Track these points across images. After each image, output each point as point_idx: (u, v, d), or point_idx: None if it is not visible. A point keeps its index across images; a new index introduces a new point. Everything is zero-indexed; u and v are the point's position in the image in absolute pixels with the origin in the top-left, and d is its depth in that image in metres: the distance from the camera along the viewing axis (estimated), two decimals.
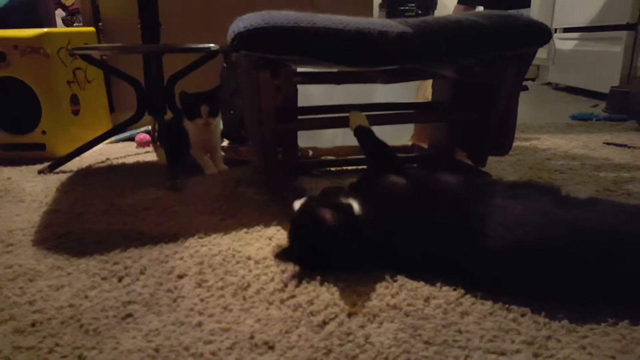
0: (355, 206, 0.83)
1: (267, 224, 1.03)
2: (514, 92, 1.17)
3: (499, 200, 0.80)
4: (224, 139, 1.68)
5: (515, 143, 1.42)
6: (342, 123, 1.13)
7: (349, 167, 1.47)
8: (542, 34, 1.10)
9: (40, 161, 1.55)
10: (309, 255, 0.83)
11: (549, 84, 3.63)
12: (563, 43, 3.34)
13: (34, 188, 1.34)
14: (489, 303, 0.73)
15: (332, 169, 1.46)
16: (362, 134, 1.08)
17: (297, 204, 0.87)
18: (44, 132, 1.65)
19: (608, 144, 1.77)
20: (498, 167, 1.46)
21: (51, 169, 1.50)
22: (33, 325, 0.70)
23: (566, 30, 3.34)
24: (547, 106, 2.86)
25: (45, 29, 1.63)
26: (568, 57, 3.28)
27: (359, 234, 0.81)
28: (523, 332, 0.66)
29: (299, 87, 1.26)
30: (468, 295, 0.75)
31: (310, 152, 1.53)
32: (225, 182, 1.35)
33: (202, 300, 0.75)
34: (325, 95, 1.47)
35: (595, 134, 1.95)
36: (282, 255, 0.85)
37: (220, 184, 1.33)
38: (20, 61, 1.59)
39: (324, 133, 1.58)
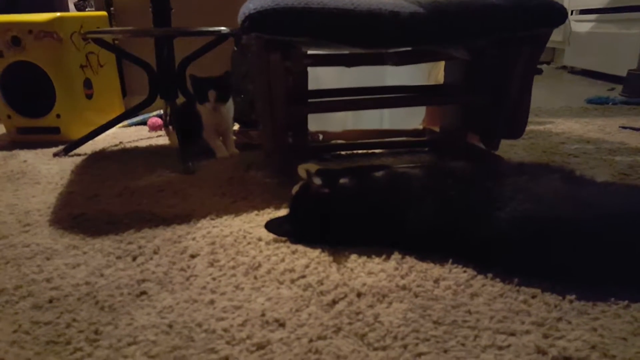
0: (350, 181, 0.87)
1: (277, 207, 1.04)
2: (527, 74, 1.16)
3: (509, 178, 0.80)
4: (235, 123, 1.68)
5: (529, 127, 1.41)
6: (353, 106, 1.12)
7: (359, 151, 1.47)
8: (557, 14, 1.08)
9: (55, 144, 1.58)
10: (303, 224, 0.88)
11: (564, 67, 3.57)
12: (579, 25, 3.27)
13: (49, 170, 1.36)
14: (500, 284, 0.73)
15: (342, 152, 1.46)
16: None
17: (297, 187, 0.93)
18: (58, 116, 1.67)
19: (624, 127, 1.74)
20: (511, 150, 1.44)
21: (66, 152, 1.52)
22: (51, 301, 0.72)
23: (583, 11, 3.27)
24: (562, 89, 2.81)
25: (58, 14, 1.64)
26: (584, 39, 3.21)
27: (350, 204, 0.85)
28: (533, 314, 0.66)
29: (310, 69, 1.25)
30: (478, 277, 0.75)
31: (321, 136, 1.52)
32: (237, 165, 1.36)
33: (214, 279, 0.76)
34: (336, 78, 1.46)
35: (611, 118, 1.92)
36: (272, 224, 0.90)
37: (231, 167, 1.34)
38: (35, 45, 1.61)
39: (334, 116, 1.57)
